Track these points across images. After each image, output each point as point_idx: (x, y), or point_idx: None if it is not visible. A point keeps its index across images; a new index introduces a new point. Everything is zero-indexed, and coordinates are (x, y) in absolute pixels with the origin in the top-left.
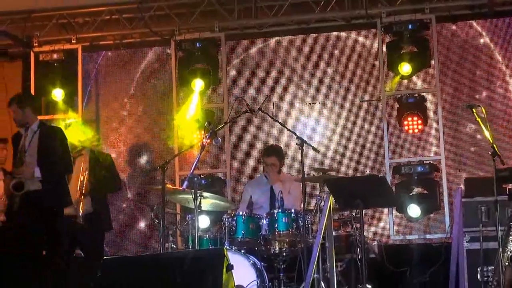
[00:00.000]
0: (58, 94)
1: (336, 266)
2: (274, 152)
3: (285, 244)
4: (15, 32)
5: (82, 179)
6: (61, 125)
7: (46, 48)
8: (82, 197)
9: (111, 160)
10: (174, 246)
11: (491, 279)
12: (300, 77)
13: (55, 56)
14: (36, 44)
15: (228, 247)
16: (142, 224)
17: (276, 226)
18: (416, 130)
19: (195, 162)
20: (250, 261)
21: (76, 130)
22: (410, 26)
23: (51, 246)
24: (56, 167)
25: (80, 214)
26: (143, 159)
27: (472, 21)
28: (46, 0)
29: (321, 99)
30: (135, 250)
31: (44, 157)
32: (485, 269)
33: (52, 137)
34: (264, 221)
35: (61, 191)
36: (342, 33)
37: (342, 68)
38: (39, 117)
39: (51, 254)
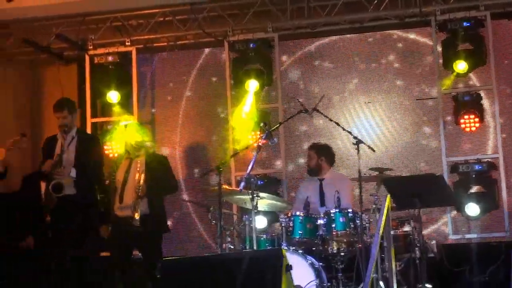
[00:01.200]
0: (113, 96)
1: (395, 266)
2: (312, 147)
3: (343, 244)
4: (70, 36)
5: (138, 181)
6: (117, 127)
7: (101, 51)
8: (139, 199)
9: (167, 161)
10: (232, 247)
11: None
12: (355, 76)
13: (110, 58)
14: (91, 47)
15: (285, 248)
16: (199, 225)
17: (333, 226)
18: (473, 128)
19: (251, 163)
20: (308, 261)
21: (131, 132)
22: (464, 24)
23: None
24: (91, 173)
25: (137, 216)
26: (199, 160)
27: None
28: (100, 3)
29: (377, 98)
30: (192, 251)
31: (80, 163)
32: None
33: (89, 144)
34: (321, 221)
35: (95, 197)
36: (396, 32)
37: (396, 67)
38: (95, 119)
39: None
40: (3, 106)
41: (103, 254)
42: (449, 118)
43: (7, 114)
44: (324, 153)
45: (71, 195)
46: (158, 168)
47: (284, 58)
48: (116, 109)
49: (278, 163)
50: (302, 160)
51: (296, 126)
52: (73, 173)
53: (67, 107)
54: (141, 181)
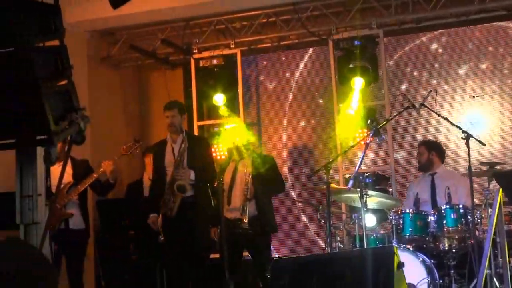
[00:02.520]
0: (219, 99)
1: (509, 262)
2: (422, 143)
3: (454, 241)
4: (175, 40)
5: (246, 183)
6: (223, 130)
7: (205, 54)
8: (247, 201)
9: (273, 161)
10: (341, 246)
11: None
12: (462, 69)
13: (214, 61)
14: (196, 50)
15: (396, 245)
16: (308, 224)
17: (444, 222)
18: None
19: (359, 161)
20: (419, 258)
21: (237, 134)
22: None
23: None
24: (204, 174)
25: (245, 218)
26: (306, 159)
27: None
28: (203, 7)
29: (485, 92)
30: (301, 250)
31: (193, 164)
32: None
33: (200, 146)
34: (432, 218)
35: (210, 199)
36: (504, 24)
37: (505, 60)
38: (202, 123)
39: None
40: (113, 112)
41: (214, 255)
42: None
43: (117, 120)
44: (434, 148)
45: (189, 197)
46: (265, 169)
47: (389, 54)
48: (222, 111)
49: (386, 160)
50: (410, 157)
51: (403, 122)
52: (192, 176)
53: (177, 107)
54: (249, 183)
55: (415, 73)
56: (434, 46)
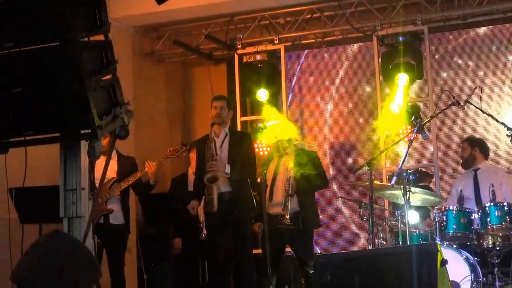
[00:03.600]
0: (262, 94)
1: None
2: (466, 139)
3: (498, 238)
4: (219, 36)
5: (287, 178)
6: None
7: (249, 49)
8: (288, 197)
9: (316, 157)
10: (384, 243)
11: None
12: (508, 65)
13: (258, 57)
14: (240, 46)
15: (440, 242)
16: (350, 221)
17: (488, 220)
18: None
19: (403, 157)
20: (463, 256)
21: (281, 130)
22: None
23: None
24: (245, 169)
25: (287, 214)
26: (349, 155)
27: None
28: (248, 2)
29: None
30: (344, 246)
31: (234, 159)
32: None
33: (242, 141)
34: (476, 215)
35: (250, 194)
36: None
37: None
38: (245, 118)
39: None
40: (156, 108)
41: (256, 251)
42: None
43: (161, 115)
44: (477, 145)
45: (227, 193)
46: (307, 165)
47: (434, 50)
48: (265, 107)
49: (430, 157)
50: (454, 154)
51: (448, 119)
52: (227, 169)
53: (226, 100)
54: (291, 179)
55: (460, 70)
56: (480, 42)
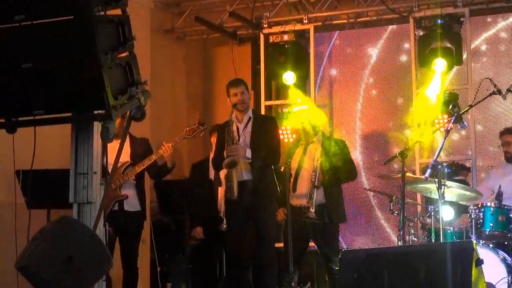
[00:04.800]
0: (289, 77)
1: None
2: (507, 130)
3: None
4: (244, 13)
5: (314, 169)
6: (292, 111)
7: (276, 29)
8: (314, 188)
9: (345, 147)
10: (415, 240)
11: None
12: None
13: (286, 37)
14: (266, 25)
15: (475, 241)
16: (380, 215)
17: None
18: None
19: (438, 149)
20: (499, 256)
21: (308, 116)
22: None
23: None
24: (267, 155)
25: (312, 207)
26: (380, 146)
27: None
28: None
29: None
30: (372, 242)
31: (256, 144)
32: None
33: (267, 125)
34: None
35: (274, 182)
36: None
37: None
38: (269, 102)
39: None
40: (175, 88)
41: (277, 245)
42: None
43: (179, 96)
44: None
45: (249, 181)
46: (335, 154)
47: (475, 34)
48: (292, 91)
49: (468, 149)
50: (493, 146)
51: (488, 108)
52: (248, 153)
53: (244, 83)
54: (317, 169)
55: (502, 56)
56: None
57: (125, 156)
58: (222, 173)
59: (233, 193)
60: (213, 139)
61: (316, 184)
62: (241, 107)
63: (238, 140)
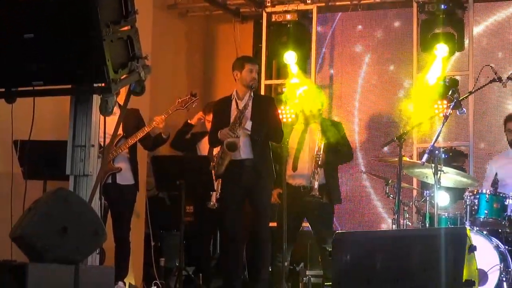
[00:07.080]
0: (290, 57)
1: None
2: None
3: None
4: None
5: (318, 149)
6: (292, 91)
7: (279, 8)
8: (318, 168)
9: (342, 128)
10: (409, 224)
11: None
12: None
13: (288, 17)
14: (269, 4)
15: (469, 227)
16: (374, 198)
17: None
18: None
19: (436, 134)
20: (493, 243)
21: (308, 96)
22: None
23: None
24: (266, 134)
25: (316, 186)
26: (378, 129)
27: None
28: None
29: None
30: (365, 225)
31: (257, 119)
32: None
33: (266, 104)
34: (510, 201)
35: (271, 162)
36: None
37: None
38: (269, 82)
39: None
40: (176, 64)
41: (271, 224)
42: None
43: (180, 72)
44: None
45: (248, 160)
46: (333, 135)
47: (478, 21)
48: (292, 71)
49: (466, 136)
50: (491, 133)
51: (487, 96)
52: (248, 125)
53: (256, 62)
54: (321, 150)
55: (504, 43)
56: None
57: None
58: (216, 149)
59: (220, 170)
60: (208, 118)
61: (320, 163)
62: (253, 84)
63: (243, 113)
